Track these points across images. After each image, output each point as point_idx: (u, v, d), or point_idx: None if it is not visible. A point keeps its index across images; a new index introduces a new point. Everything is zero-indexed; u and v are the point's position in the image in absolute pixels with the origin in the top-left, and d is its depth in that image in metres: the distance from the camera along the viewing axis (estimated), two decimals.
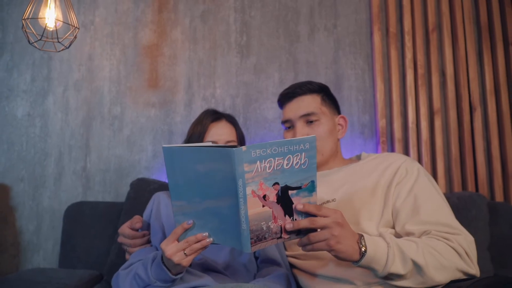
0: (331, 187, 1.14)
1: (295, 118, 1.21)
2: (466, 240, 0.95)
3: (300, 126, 1.20)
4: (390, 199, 1.05)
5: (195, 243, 0.85)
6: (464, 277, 0.93)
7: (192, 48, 1.93)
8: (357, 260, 0.87)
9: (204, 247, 0.86)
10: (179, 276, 0.93)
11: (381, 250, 0.88)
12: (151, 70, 1.91)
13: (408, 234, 1.00)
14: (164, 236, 1.13)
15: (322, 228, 0.83)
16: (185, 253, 0.86)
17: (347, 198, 1.09)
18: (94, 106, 1.88)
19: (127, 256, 1.17)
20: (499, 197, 1.80)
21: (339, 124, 1.26)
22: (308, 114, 1.20)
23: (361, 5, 1.96)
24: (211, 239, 0.85)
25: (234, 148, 0.73)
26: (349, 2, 1.97)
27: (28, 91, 1.88)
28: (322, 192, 1.14)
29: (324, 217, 0.83)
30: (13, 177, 1.84)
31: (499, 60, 1.88)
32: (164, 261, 0.91)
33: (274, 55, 1.94)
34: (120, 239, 1.18)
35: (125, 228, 1.17)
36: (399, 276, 0.89)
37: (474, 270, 0.93)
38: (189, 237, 0.86)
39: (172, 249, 0.86)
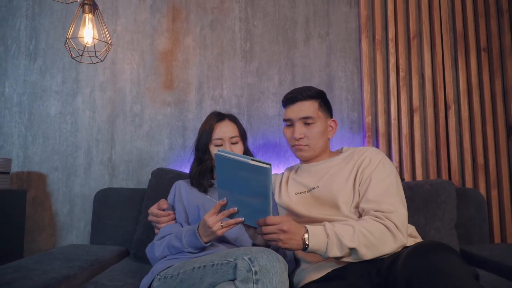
0: (316, 177, 1.36)
1: (295, 119, 1.40)
2: (398, 216, 1.13)
3: (298, 126, 1.39)
4: (357, 184, 1.28)
5: (230, 218, 1.10)
6: (396, 245, 1.13)
7: (202, 54, 2.12)
8: (303, 250, 1.10)
9: (236, 224, 1.11)
10: (208, 244, 1.17)
11: (321, 242, 1.08)
12: (167, 73, 2.10)
13: (362, 210, 1.22)
14: (186, 215, 1.38)
15: (271, 234, 1.05)
16: (221, 225, 1.11)
17: (327, 185, 1.31)
18: (118, 105, 2.08)
19: (156, 231, 1.39)
20: (469, 184, 2.01)
21: (330, 126, 1.45)
22: (306, 117, 1.38)
23: (351, 15, 2.14)
24: (243, 219, 1.09)
25: (268, 167, 0.97)
26: (340, 13, 2.15)
27: (59, 92, 2.08)
28: (309, 180, 1.37)
29: (272, 225, 1.05)
30: (48, 167, 2.05)
31: (472, 64, 2.06)
32: (200, 231, 1.16)
33: (274, 59, 2.12)
34: (150, 218, 1.40)
35: (153, 209, 1.39)
36: (339, 257, 1.12)
37: (401, 236, 1.12)
38: (224, 211, 1.10)
39: (213, 220, 1.11)
